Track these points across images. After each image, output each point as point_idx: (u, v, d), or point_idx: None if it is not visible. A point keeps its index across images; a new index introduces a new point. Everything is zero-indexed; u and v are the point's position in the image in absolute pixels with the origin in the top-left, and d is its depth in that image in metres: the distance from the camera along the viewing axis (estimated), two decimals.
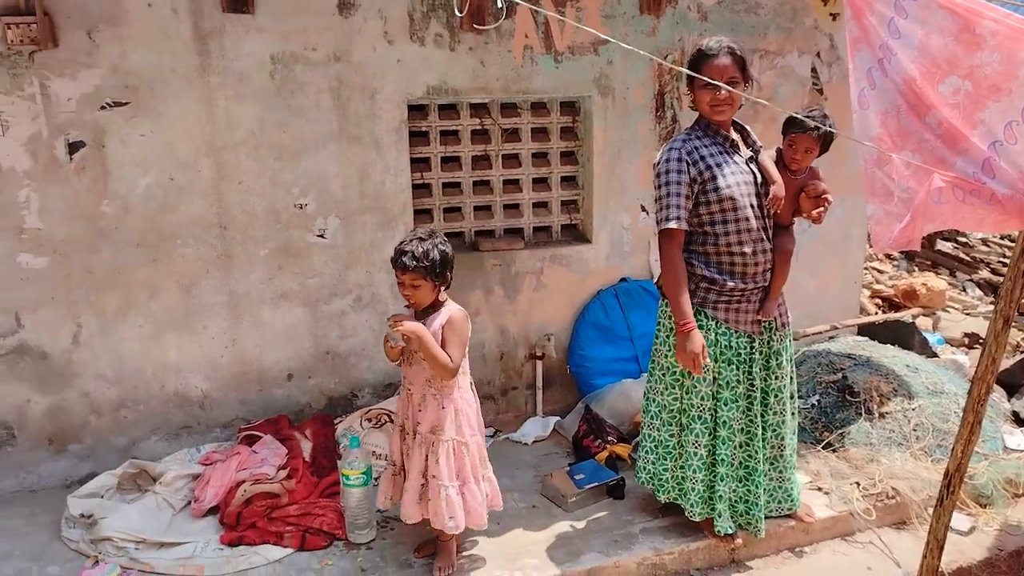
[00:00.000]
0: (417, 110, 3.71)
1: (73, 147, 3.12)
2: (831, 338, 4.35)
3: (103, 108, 3.13)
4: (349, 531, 3.00)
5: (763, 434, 2.94)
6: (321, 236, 3.57)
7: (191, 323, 3.44)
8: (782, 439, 2.98)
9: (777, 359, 2.90)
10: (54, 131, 3.09)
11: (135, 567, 2.82)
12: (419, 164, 3.77)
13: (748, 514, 2.97)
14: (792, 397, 3.00)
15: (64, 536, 3.00)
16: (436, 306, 2.71)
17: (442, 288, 2.70)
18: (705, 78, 2.61)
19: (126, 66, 3.13)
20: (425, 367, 2.68)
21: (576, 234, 4.14)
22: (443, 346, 2.64)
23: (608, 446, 3.54)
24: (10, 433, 3.28)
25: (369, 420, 3.58)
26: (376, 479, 3.15)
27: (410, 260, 2.59)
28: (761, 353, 2.88)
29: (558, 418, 3.99)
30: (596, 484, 3.30)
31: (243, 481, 3.15)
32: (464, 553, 2.92)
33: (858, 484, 3.29)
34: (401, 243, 2.65)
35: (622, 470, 3.43)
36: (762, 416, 2.92)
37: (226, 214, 3.40)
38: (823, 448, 3.55)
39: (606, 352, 4.05)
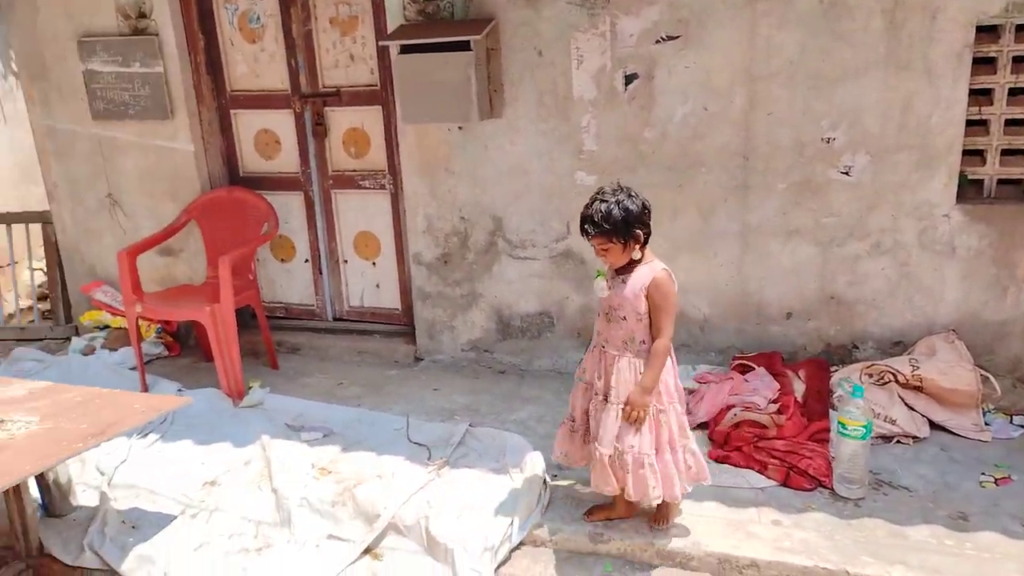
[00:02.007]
0: (985, 32, 3.15)
1: (629, 78, 3.50)
2: None
3: (657, 42, 3.42)
4: (837, 482, 2.87)
5: None
6: (845, 173, 3.36)
7: (703, 248, 3.63)
8: None
9: None
10: (616, 64, 3.50)
11: None
12: (976, 96, 3.22)
13: None
14: None
15: None
16: (634, 264, 2.51)
17: (636, 246, 2.46)
18: None
19: (681, 0, 3.34)
20: (623, 326, 2.51)
21: None
22: (652, 311, 2.48)
23: None
24: (552, 322, 3.97)
25: (870, 375, 3.32)
26: (874, 438, 2.95)
27: (590, 226, 2.44)
28: None
29: None
30: None
31: (733, 406, 3.26)
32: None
33: None
34: (585, 206, 2.47)
35: None
36: None
37: (750, 144, 3.44)
38: None
39: None
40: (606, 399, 2.58)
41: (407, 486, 2.99)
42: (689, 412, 3.36)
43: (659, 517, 2.71)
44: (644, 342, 2.53)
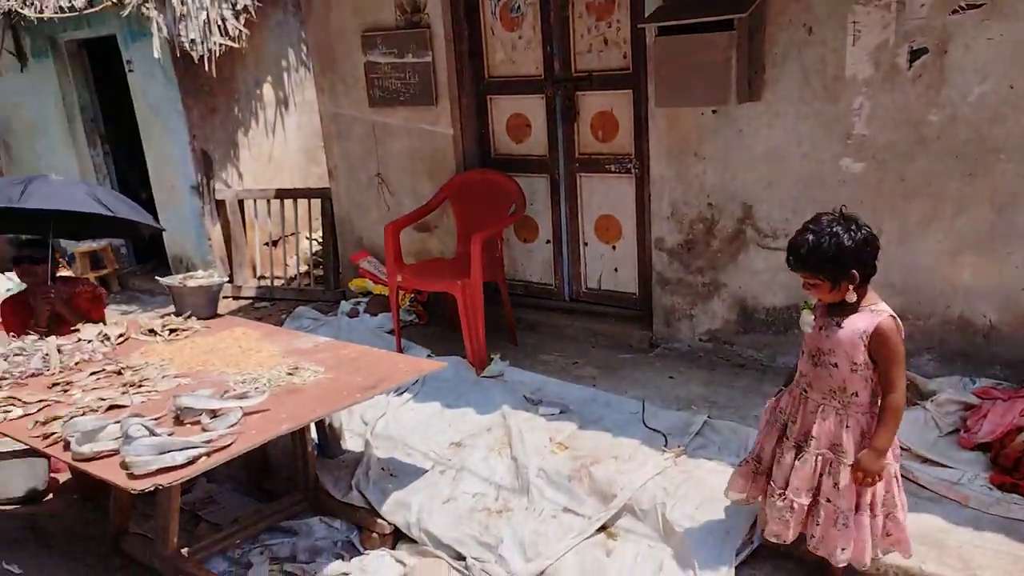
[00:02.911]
0: None
1: (915, 54, 3.15)
2: None
3: (954, 12, 3.03)
4: None
5: None
6: None
7: (995, 246, 3.18)
8: None
9: None
10: (900, 39, 3.16)
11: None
12: None
13: None
14: None
15: None
16: (851, 307, 2.18)
17: (849, 287, 2.13)
18: None
19: None
20: (834, 374, 2.22)
21: None
22: (878, 363, 2.15)
23: None
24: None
25: None
26: None
27: (794, 259, 2.16)
28: None
29: None
30: None
31: None
32: None
33: None
34: (796, 232, 2.17)
35: None
36: None
37: None
38: None
39: None
40: (799, 447, 2.33)
41: (643, 470, 2.98)
42: (967, 430, 3.00)
43: None
44: (856, 394, 2.22)
